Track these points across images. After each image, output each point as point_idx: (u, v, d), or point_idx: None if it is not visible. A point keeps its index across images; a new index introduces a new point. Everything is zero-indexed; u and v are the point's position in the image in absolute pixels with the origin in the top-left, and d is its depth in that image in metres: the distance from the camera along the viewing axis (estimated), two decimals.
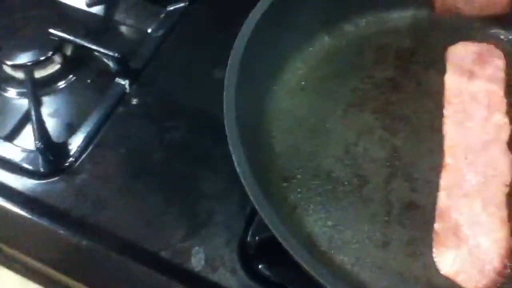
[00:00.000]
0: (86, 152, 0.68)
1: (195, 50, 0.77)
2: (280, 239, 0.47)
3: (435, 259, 0.55)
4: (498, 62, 0.67)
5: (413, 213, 0.58)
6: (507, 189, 0.58)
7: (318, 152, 0.63)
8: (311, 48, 0.70)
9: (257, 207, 0.48)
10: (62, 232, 0.61)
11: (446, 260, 0.54)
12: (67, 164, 0.67)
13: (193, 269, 0.59)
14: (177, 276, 0.58)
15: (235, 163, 0.51)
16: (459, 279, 0.53)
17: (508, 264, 0.54)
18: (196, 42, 0.78)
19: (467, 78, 0.66)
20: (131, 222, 0.62)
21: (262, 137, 0.63)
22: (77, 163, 0.67)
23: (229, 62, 0.57)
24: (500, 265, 0.53)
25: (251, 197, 0.49)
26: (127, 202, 0.63)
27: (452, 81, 0.66)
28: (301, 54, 0.70)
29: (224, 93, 0.55)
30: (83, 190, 0.64)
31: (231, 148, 0.52)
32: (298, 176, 0.61)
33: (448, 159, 0.60)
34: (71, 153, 0.67)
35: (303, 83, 0.68)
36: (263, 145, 0.63)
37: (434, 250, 0.55)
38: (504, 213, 0.56)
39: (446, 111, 0.64)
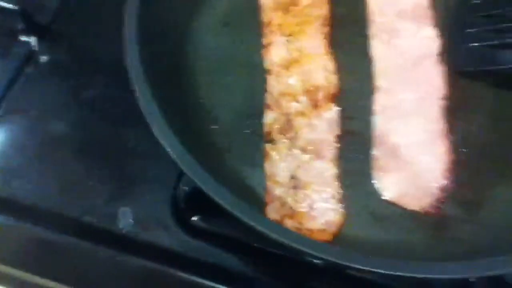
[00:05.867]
0: None
1: None
2: (199, 183, 0.42)
3: (377, 186, 0.51)
4: None
5: (351, 142, 0.54)
6: (443, 103, 0.54)
7: (247, 90, 0.57)
8: None
9: (168, 148, 0.43)
10: None
11: (388, 185, 0.51)
12: None
13: (121, 231, 0.54)
14: (104, 240, 0.53)
15: (142, 107, 0.45)
16: (403, 202, 0.50)
17: (451, 178, 0.50)
18: None
19: None
20: (48, 190, 0.56)
21: (185, 80, 0.58)
22: None
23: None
24: (443, 180, 0.50)
25: (161, 140, 0.44)
26: (44, 170, 0.58)
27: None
28: None
29: (125, 32, 0.49)
30: None
31: (137, 91, 0.46)
32: (228, 117, 0.56)
33: (379, 81, 0.56)
34: None
35: (226, 17, 0.62)
36: (188, 90, 0.57)
37: (375, 176, 0.51)
38: (443, 127, 0.52)
39: (371, 32, 0.59)
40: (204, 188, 0.41)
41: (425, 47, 0.57)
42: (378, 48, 0.58)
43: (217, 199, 0.41)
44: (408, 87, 0.55)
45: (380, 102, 0.55)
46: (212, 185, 0.43)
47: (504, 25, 0.53)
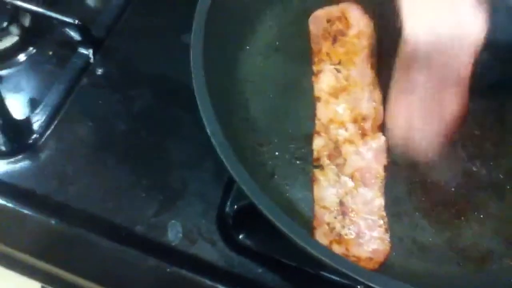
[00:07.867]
0: (51, 128, 0.64)
1: (161, 15, 0.73)
2: (258, 205, 0.44)
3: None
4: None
5: (397, 172, 0.56)
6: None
7: (295, 114, 0.60)
8: (282, 5, 0.66)
9: (231, 172, 0.45)
10: (27, 212, 0.57)
11: None
12: (30, 141, 0.63)
13: (170, 243, 0.56)
14: (153, 251, 0.55)
15: (207, 128, 0.47)
16: None
17: None
18: (162, 5, 0.74)
19: None
20: (101, 197, 0.59)
21: (235, 100, 0.60)
22: (42, 140, 0.63)
23: (194, 22, 0.53)
24: None
25: (225, 163, 0.46)
26: (96, 177, 0.60)
27: None
28: (273, 12, 0.66)
29: (191, 54, 0.51)
30: (48, 168, 0.61)
31: (201, 112, 0.48)
32: (275, 139, 0.58)
33: None
34: (35, 129, 0.63)
35: (276, 43, 0.65)
36: (236, 109, 0.59)
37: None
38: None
39: None
40: (269, 215, 0.43)
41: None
42: None
43: (277, 223, 0.43)
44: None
45: None
46: (277, 212, 0.44)
47: None
